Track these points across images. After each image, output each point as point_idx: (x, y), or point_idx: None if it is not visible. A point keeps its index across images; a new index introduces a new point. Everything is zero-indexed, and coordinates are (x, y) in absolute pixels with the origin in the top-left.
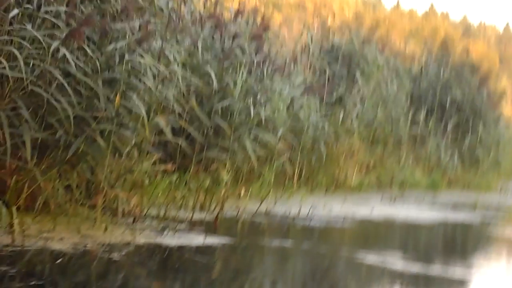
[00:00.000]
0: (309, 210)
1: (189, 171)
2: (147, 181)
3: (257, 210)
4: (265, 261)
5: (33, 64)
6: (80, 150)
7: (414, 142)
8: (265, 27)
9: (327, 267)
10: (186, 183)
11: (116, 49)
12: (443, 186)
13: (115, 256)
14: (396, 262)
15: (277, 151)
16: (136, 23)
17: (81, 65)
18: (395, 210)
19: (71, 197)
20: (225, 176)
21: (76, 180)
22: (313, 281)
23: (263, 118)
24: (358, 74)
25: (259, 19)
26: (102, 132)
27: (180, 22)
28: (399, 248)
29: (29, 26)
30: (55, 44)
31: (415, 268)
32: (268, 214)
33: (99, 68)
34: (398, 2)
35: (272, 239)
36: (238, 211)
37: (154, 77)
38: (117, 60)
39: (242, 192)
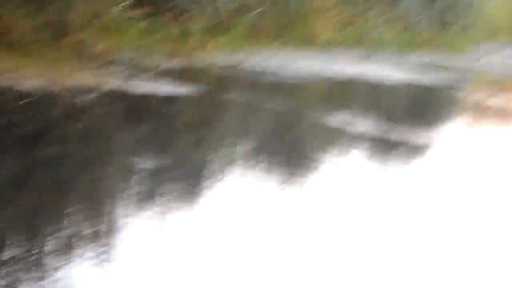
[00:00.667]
0: (278, 66)
1: (159, 20)
2: (116, 26)
3: (225, 63)
4: (229, 114)
5: None
6: None
7: (387, 2)
8: None
9: (290, 125)
10: (155, 31)
11: None
12: (413, 47)
13: (80, 100)
14: (359, 123)
15: (249, 5)
16: None
17: None
18: (363, 69)
19: (38, 37)
20: (195, 26)
21: (44, 20)
22: (274, 138)
23: None
24: None
25: None
26: None
27: None
28: (363, 109)
29: None
30: None
31: (377, 131)
32: (236, 68)
33: None
34: None
35: (239, 92)
36: (206, 63)
37: None
38: None
39: (212, 44)
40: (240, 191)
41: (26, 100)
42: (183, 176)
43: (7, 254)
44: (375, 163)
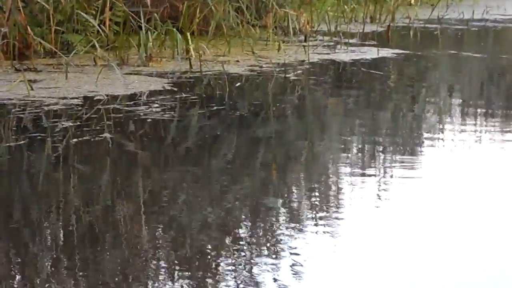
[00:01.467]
0: (483, 12)
1: None
2: None
3: (429, 16)
4: (440, 69)
5: None
6: None
7: None
8: None
9: (505, 70)
10: None
11: None
12: None
13: (291, 74)
14: None
15: None
16: None
17: None
18: None
19: (242, 19)
20: None
21: (246, 1)
22: (490, 83)
23: None
24: None
25: None
26: None
27: None
28: None
29: None
30: None
31: None
32: (440, 20)
33: None
34: None
35: (446, 48)
36: (410, 20)
37: None
38: None
39: (412, 0)
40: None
41: (239, 82)
42: (401, 141)
43: (241, 234)
44: None
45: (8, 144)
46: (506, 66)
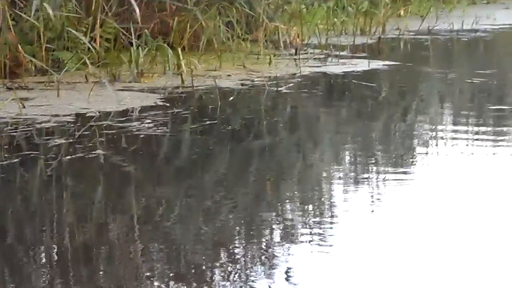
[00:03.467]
0: (472, 22)
1: None
2: (305, 10)
3: (419, 27)
4: (430, 82)
5: None
6: None
7: None
8: None
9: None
10: (343, 8)
11: None
12: None
13: (282, 87)
14: None
15: None
16: None
17: None
18: None
19: (232, 33)
20: None
21: (236, 16)
22: (487, 97)
23: None
24: None
25: None
26: None
27: None
28: None
29: None
30: None
31: None
32: (430, 32)
33: None
34: None
35: (436, 59)
36: (400, 31)
37: None
38: None
39: (402, 12)
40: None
41: (232, 95)
42: (395, 149)
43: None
44: None
45: (0, 163)
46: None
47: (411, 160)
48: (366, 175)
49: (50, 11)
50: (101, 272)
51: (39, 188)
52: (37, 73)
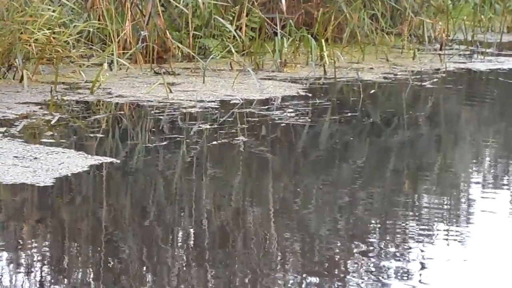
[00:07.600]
0: None
1: None
2: (451, 6)
3: None
4: None
5: None
6: None
7: None
8: None
9: None
10: (491, 5)
11: None
12: None
13: (427, 82)
14: None
15: None
16: None
17: None
18: None
19: (376, 26)
20: None
21: (381, 9)
22: None
23: None
24: None
25: None
26: None
27: None
28: None
29: None
30: None
31: None
32: None
33: None
34: None
35: None
36: None
37: None
38: None
39: None
40: None
41: (374, 88)
42: None
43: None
44: None
45: (146, 145)
46: None
47: None
48: (506, 176)
49: None
50: (236, 258)
51: (180, 171)
52: (183, 59)
